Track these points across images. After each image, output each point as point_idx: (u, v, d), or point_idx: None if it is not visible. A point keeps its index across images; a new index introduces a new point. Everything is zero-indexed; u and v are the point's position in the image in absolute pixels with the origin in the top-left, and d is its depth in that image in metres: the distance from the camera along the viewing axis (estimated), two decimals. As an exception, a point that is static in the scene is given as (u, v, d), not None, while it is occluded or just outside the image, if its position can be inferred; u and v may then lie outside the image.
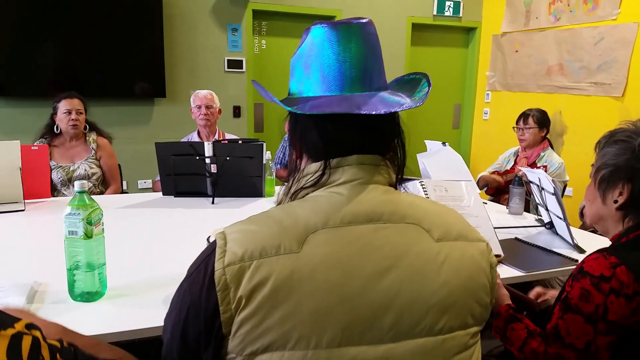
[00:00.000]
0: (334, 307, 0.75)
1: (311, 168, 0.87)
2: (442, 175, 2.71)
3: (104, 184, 3.07)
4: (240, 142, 2.56)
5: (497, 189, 3.29)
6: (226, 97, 4.87)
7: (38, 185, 2.33)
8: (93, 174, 2.98)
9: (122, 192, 3.20)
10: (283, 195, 0.90)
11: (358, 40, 0.87)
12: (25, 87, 4.21)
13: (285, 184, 0.92)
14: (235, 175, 2.53)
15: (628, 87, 4.29)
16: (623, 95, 4.33)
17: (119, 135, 4.40)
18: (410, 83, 0.97)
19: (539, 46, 5.11)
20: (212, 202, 2.47)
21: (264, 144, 2.52)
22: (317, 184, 0.86)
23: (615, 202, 1.25)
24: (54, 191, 2.96)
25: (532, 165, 3.27)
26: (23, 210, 2.24)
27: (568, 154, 4.62)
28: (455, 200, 1.86)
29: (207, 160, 2.47)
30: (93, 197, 2.60)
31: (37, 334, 0.58)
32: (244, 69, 4.94)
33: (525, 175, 2.35)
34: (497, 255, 1.77)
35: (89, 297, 1.36)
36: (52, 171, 2.90)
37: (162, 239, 1.96)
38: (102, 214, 1.38)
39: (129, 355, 0.86)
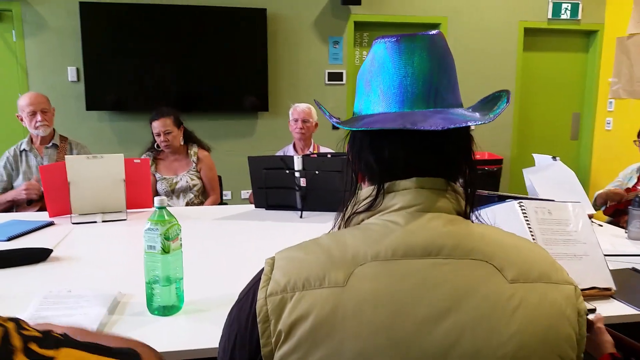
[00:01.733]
0: (381, 351, 0.66)
1: (365, 191, 0.79)
2: (552, 193, 2.47)
3: (204, 194, 3.19)
4: (329, 155, 2.52)
5: (617, 210, 2.93)
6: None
7: (140, 195, 2.46)
8: (194, 186, 3.11)
9: (221, 202, 3.30)
10: (338, 220, 0.83)
11: (422, 53, 0.78)
12: (141, 102, 4.53)
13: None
14: (324, 189, 2.49)
15: None
16: None
17: (225, 147, 4.61)
18: (492, 101, 0.85)
19: (673, 48, 4.55)
20: (301, 216, 2.46)
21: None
22: (370, 209, 0.77)
23: None
24: (159, 201, 3.13)
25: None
26: (125, 219, 2.37)
27: None
28: (560, 225, 1.66)
29: (297, 174, 2.46)
30: (192, 207, 2.71)
31: (11, 325, 0.58)
32: (344, 81, 4.93)
33: (647, 195, 2.05)
34: (606, 289, 1.54)
35: (166, 311, 1.38)
36: (157, 183, 3.07)
37: (247, 252, 1.97)
38: (180, 230, 1.39)
39: (150, 349, 0.82)
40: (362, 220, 0.78)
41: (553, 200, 2.15)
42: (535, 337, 0.68)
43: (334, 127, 4.98)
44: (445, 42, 0.81)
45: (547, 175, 2.54)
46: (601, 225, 2.44)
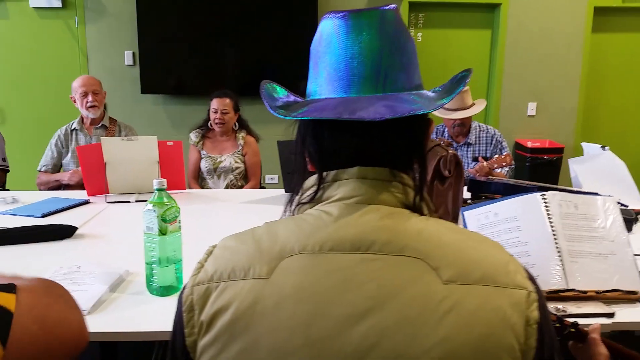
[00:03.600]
0: (297, 350, 0.62)
1: (310, 181, 0.75)
2: (597, 185, 2.30)
3: (245, 178, 3.24)
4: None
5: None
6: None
7: (173, 177, 2.52)
8: (236, 168, 3.16)
9: (261, 188, 3.33)
10: (285, 210, 0.80)
11: (371, 31, 0.72)
12: (196, 86, 4.64)
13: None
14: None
15: None
16: None
17: (274, 133, 4.63)
18: (459, 81, 0.78)
19: None
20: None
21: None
22: (313, 200, 0.73)
23: None
24: (202, 180, 3.21)
25: None
26: (157, 200, 2.44)
27: None
28: (586, 220, 1.53)
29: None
30: (232, 190, 2.76)
31: None
32: (396, 64, 4.81)
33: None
34: (632, 292, 1.41)
35: (165, 291, 1.40)
36: (202, 160, 3.16)
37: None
38: (178, 212, 1.40)
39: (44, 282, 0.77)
40: (305, 210, 0.75)
41: (596, 194, 2.01)
42: (468, 346, 0.61)
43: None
44: (400, 18, 0.75)
45: (594, 166, 2.36)
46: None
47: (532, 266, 1.44)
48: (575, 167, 2.39)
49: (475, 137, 3.19)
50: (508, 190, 2.32)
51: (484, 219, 1.57)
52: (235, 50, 4.64)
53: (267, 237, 0.71)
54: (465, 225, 1.59)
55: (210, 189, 3.15)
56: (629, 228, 2.08)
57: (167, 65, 4.63)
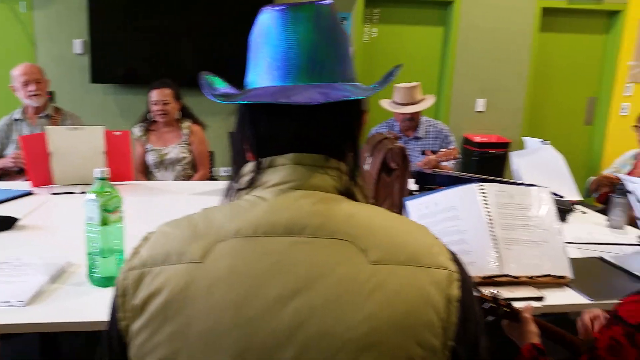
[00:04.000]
0: (228, 331, 0.64)
1: (247, 168, 0.77)
2: (537, 178, 2.40)
3: (193, 168, 3.21)
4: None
5: (609, 197, 2.83)
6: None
7: (120, 168, 2.47)
8: (183, 158, 3.12)
9: (212, 178, 3.31)
10: (222, 198, 0.81)
11: (307, 24, 0.74)
12: (148, 76, 4.53)
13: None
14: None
15: None
16: None
17: (228, 124, 4.59)
18: (391, 73, 0.81)
19: (696, 30, 4.32)
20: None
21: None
22: (250, 186, 0.75)
23: None
24: (149, 173, 3.16)
25: (653, 171, 2.75)
26: (104, 191, 2.39)
27: None
28: (521, 209, 1.60)
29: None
30: (181, 182, 2.73)
31: None
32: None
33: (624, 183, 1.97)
34: (561, 277, 1.49)
35: (106, 282, 1.39)
36: (147, 153, 3.10)
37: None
38: (120, 202, 1.39)
39: None
40: (242, 196, 0.76)
41: (535, 186, 2.10)
42: (391, 322, 0.64)
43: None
44: (335, 13, 0.77)
45: (534, 159, 2.47)
46: (585, 213, 2.36)
47: (469, 253, 1.50)
48: (517, 161, 2.49)
49: (424, 132, 3.27)
50: (452, 182, 2.40)
51: (425, 209, 1.62)
52: (189, 40, 4.58)
53: (202, 222, 0.72)
54: (408, 214, 1.64)
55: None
56: (564, 218, 2.19)
57: (119, 54, 4.51)
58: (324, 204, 0.71)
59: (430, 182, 2.55)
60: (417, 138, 3.27)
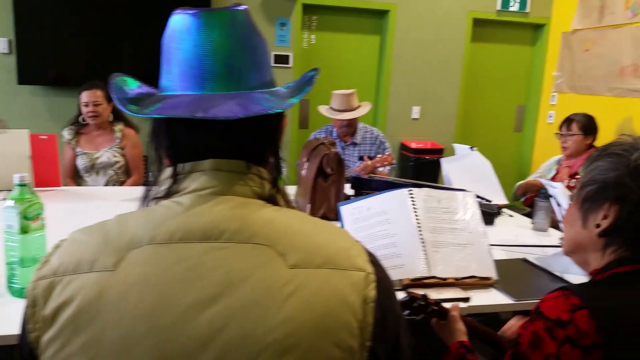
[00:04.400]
0: (142, 339, 0.63)
1: (165, 174, 0.76)
2: (466, 182, 2.50)
3: (127, 173, 3.11)
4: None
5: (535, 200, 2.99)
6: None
7: (47, 173, 2.37)
8: (116, 163, 3.02)
9: (145, 183, 3.22)
10: (139, 205, 0.79)
11: (222, 30, 0.74)
12: (80, 78, 4.36)
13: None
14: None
15: None
16: None
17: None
18: (308, 82, 0.82)
19: (612, 45, 4.64)
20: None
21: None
22: (168, 193, 0.74)
23: (598, 226, 1.03)
24: (79, 178, 3.04)
25: (573, 176, 2.93)
26: (28, 198, 2.28)
27: (637, 164, 4.15)
28: (447, 213, 1.66)
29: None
30: (112, 187, 2.63)
31: None
32: (290, 64, 4.87)
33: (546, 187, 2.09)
34: (486, 278, 1.56)
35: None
36: (77, 157, 2.99)
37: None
38: (42, 209, 1.33)
39: None
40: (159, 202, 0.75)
41: (463, 190, 2.17)
42: (309, 324, 0.65)
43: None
44: (250, 19, 0.77)
45: (463, 165, 2.57)
46: (512, 216, 2.47)
47: (399, 256, 1.54)
48: (446, 166, 2.58)
49: (361, 138, 3.32)
50: (387, 187, 2.46)
51: (358, 213, 1.65)
52: (121, 41, 4.44)
53: (116, 228, 0.70)
54: (341, 219, 1.66)
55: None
56: (491, 221, 2.29)
57: (47, 55, 4.31)
58: (242, 209, 0.71)
59: (366, 187, 2.60)
60: (354, 144, 3.33)
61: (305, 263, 0.68)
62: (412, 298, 1.25)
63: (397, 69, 5.16)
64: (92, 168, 2.99)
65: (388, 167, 3.19)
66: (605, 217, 1.02)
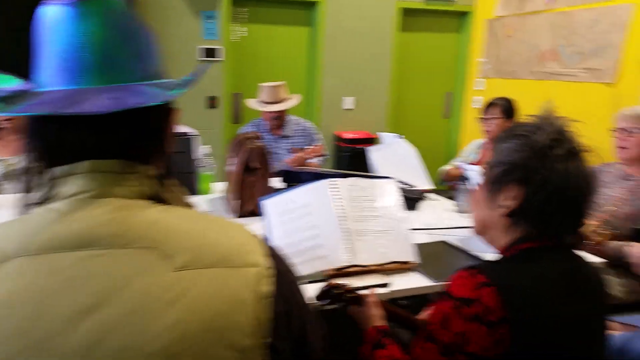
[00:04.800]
0: (16, 355, 0.60)
1: (40, 179, 0.72)
2: (392, 170, 2.54)
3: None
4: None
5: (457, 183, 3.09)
6: (200, 87, 4.74)
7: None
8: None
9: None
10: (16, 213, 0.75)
11: (98, 19, 0.70)
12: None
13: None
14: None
15: (620, 73, 4.02)
16: (616, 81, 4.07)
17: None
18: (197, 75, 0.80)
19: (532, 31, 4.84)
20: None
21: (196, 137, 2.38)
22: (43, 199, 0.70)
23: (503, 206, 1.07)
24: (-3, 186, 2.87)
25: (495, 159, 3.04)
26: None
27: (558, 144, 4.37)
28: (370, 201, 1.69)
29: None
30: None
31: None
32: (220, 58, 4.79)
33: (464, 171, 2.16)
34: (406, 263, 1.60)
35: None
36: (-6, 165, 2.82)
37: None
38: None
39: None
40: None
41: (390, 178, 2.20)
42: (197, 328, 0.63)
43: (210, 106, 4.85)
44: (129, 8, 0.74)
45: (389, 153, 2.61)
46: (437, 200, 2.54)
47: (322, 246, 1.55)
48: (373, 155, 2.61)
49: (292, 130, 3.32)
50: (317, 178, 2.47)
51: (282, 206, 1.65)
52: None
53: None
54: (265, 214, 1.65)
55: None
56: (415, 206, 2.34)
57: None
58: (123, 211, 0.68)
59: (296, 179, 2.59)
60: (285, 136, 3.32)
61: (194, 264, 0.66)
62: (329, 287, 1.26)
63: (328, 60, 5.18)
64: (10, 175, 2.83)
65: (320, 158, 3.20)
66: (511, 198, 1.05)
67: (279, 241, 1.56)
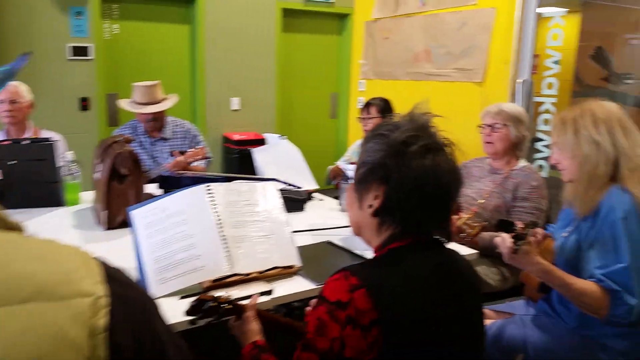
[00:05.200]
0: None
1: None
2: (277, 171, 2.49)
3: None
4: (28, 141, 2.17)
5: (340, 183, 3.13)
6: (71, 87, 4.38)
7: None
8: None
9: None
10: None
11: None
12: None
13: None
14: (27, 182, 2.15)
15: (487, 73, 4.32)
16: (484, 80, 4.36)
17: None
18: (10, 76, 0.67)
19: (406, 32, 5.05)
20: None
21: (58, 142, 2.15)
22: None
23: (370, 206, 1.05)
24: None
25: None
26: None
27: (436, 141, 4.60)
28: (249, 205, 1.61)
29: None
30: None
31: None
32: (92, 57, 4.45)
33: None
34: (288, 267, 1.55)
35: None
36: None
37: None
38: None
39: None
40: None
41: (275, 179, 2.15)
42: None
43: (83, 108, 4.48)
44: None
45: (273, 154, 2.56)
46: (322, 200, 2.54)
47: (199, 257, 1.45)
48: (257, 157, 2.55)
49: (171, 132, 3.15)
50: (197, 183, 2.35)
51: (151, 216, 1.52)
52: None
53: None
54: (133, 225, 1.51)
55: None
56: (300, 207, 2.31)
57: None
58: None
59: (175, 185, 2.46)
60: (164, 139, 3.13)
61: (4, 300, 0.54)
62: (200, 301, 1.16)
63: (211, 59, 5.02)
64: None
65: (203, 161, 3.07)
66: (376, 197, 1.03)
67: (148, 256, 1.44)
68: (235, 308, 1.20)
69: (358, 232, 1.13)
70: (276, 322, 1.27)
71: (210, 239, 1.48)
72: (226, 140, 5.18)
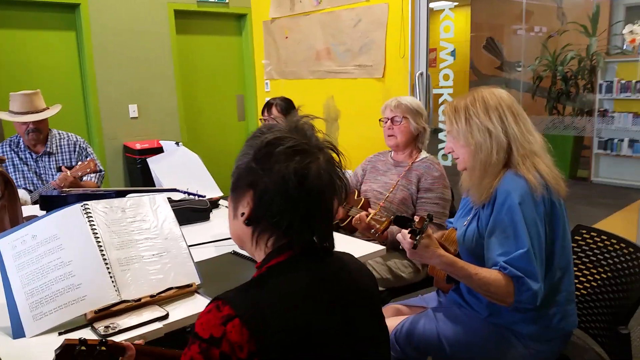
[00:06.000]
0: None
1: None
2: (177, 180, 2.33)
3: None
4: None
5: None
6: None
7: None
8: None
9: None
10: None
11: None
12: None
13: None
14: None
15: (387, 68, 4.37)
16: (383, 75, 4.41)
17: None
18: None
19: (306, 31, 5.01)
20: None
21: None
22: None
23: (243, 214, 0.95)
24: None
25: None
26: None
27: (344, 137, 4.60)
28: (136, 222, 1.46)
29: None
30: None
31: None
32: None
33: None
34: (187, 286, 1.42)
35: None
36: None
37: None
38: None
39: None
40: None
41: (175, 190, 2.00)
42: None
43: None
44: None
45: (172, 162, 2.40)
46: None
47: (79, 287, 1.29)
48: (154, 166, 2.38)
49: (56, 146, 2.88)
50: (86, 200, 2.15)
51: (20, 245, 1.33)
52: None
53: None
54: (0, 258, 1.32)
55: None
56: (206, 217, 2.18)
57: None
58: None
59: (60, 204, 2.22)
60: (49, 154, 2.86)
61: None
62: (67, 346, 0.97)
63: (101, 66, 4.70)
64: None
65: (94, 175, 2.83)
66: (247, 205, 0.94)
67: (19, 290, 1.26)
68: (115, 347, 1.03)
69: (241, 244, 1.02)
70: (159, 356, 1.12)
71: (90, 264, 1.32)
72: (127, 149, 4.88)
